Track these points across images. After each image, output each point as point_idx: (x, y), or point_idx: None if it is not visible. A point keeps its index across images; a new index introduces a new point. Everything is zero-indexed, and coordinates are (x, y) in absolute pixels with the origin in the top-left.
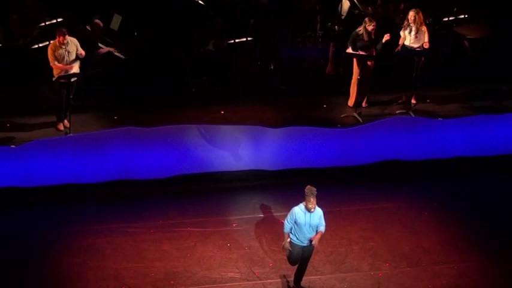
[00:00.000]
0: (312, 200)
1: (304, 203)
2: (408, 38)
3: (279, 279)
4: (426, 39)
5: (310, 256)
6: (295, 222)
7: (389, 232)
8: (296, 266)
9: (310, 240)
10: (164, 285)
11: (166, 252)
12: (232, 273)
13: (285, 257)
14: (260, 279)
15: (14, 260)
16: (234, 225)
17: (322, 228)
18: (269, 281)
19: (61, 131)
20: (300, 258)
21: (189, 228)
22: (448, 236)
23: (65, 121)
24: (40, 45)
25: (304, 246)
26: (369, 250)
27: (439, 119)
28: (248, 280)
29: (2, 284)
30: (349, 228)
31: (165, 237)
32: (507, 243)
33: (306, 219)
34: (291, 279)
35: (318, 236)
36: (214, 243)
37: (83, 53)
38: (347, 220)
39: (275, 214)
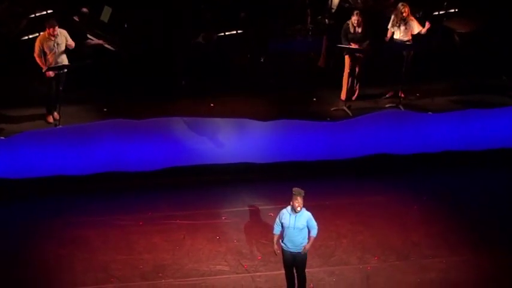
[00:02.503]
0: (298, 199)
1: (291, 204)
2: (398, 32)
3: (268, 272)
4: (419, 29)
5: (304, 263)
6: (281, 225)
7: (378, 226)
8: (288, 278)
9: (302, 248)
10: (153, 278)
11: (155, 244)
12: (221, 266)
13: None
14: (249, 272)
15: (2, 251)
16: (223, 218)
17: (313, 233)
18: (258, 273)
19: (50, 123)
20: (294, 266)
21: (178, 221)
22: (437, 230)
23: (55, 113)
24: (30, 36)
25: (294, 252)
26: (357, 244)
27: (429, 113)
28: (237, 273)
29: None
30: (338, 222)
31: (155, 230)
32: (496, 237)
33: (291, 221)
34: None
35: (310, 242)
36: (204, 236)
37: (73, 44)
38: (336, 214)
39: (264, 207)
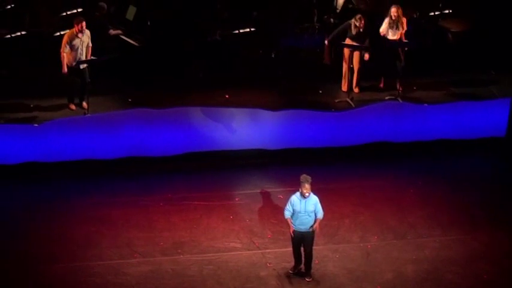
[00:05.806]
0: (306, 186)
1: (299, 190)
2: (390, 33)
3: (277, 249)
4: (402, 31)
5: (312, 241)
6: (293, 210)
7: (377, 207)
8: (296, 255)
9: (310, 226)
10: (172, 253)
11: (174, 223)
12: (234, 243)
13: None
14: (259, 249)
15: (37, 227)
16: (236, 199)
17: (319, 215)
18: (268, 250)
19: (73, 110)
20: (302, 243)
21: (195, 202)
22: (431, 212)
23: (84, 103)
24: (62, 32)
25: (303, 231)
26: (359, 224)
27: (424, 104)
28: (249, 250)
29: (28, 247)
30: (341, 204)
31: (174, 210)
32: (483, 218)
33: (302, 206)
34: (289, 249)
35: (317, 223)
36: (218, 215)
37: (90, 49)
38: (339, 196)
39: (274, 190)
